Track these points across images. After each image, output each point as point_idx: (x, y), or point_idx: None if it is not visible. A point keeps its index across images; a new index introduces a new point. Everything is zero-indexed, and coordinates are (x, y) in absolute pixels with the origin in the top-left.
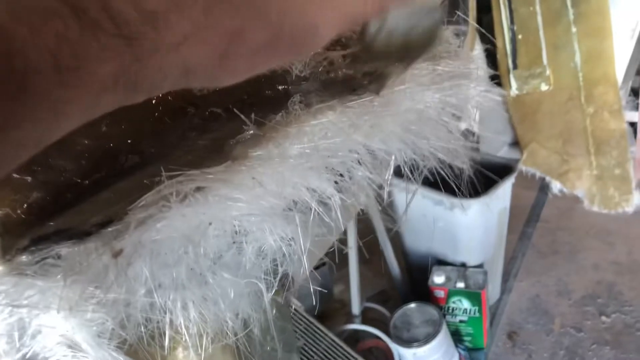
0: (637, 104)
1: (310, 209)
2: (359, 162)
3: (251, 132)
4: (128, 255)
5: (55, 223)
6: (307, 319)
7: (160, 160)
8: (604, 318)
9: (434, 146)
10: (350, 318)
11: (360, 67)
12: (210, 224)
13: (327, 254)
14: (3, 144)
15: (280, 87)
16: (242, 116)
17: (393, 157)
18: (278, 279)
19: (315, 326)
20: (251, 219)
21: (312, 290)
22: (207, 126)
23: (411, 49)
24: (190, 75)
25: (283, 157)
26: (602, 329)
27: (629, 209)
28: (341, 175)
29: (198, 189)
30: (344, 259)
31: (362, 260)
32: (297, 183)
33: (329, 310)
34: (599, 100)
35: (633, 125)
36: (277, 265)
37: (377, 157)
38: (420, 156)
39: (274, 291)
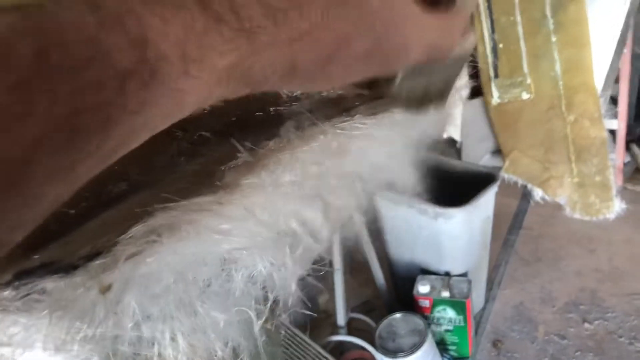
0: (617, 112)
1: (301, 237)
2: (349, 188)
3: (243, 158)
4: (117, 291)
5: (40, 256)
6: (292, 331)
7: (148, 188)
8: (587, 325)
9: (416, 172)
10: (335, 329)
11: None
12: (204, 261)
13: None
14: (128, 129)
15: (271, 109)
16: (235, 142)
17: (379, 183)
18: (268, 305)
19: (300, 338)
20: (243, 251)
21: (297, 301)
22: (197, 150)
23: (425, 102)
24: (294, 74)
25: (275, 185)
26: (585, 336)
27: (610, 215)
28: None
29: (189, 220)
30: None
31: (347, 270)
32: (288, 213)
33: (314, 321)
34: (579, 108)
35: (613, 133)
36: (266, 291)
37: (367, 182)
38: (403, 182)
39: (264, 318)
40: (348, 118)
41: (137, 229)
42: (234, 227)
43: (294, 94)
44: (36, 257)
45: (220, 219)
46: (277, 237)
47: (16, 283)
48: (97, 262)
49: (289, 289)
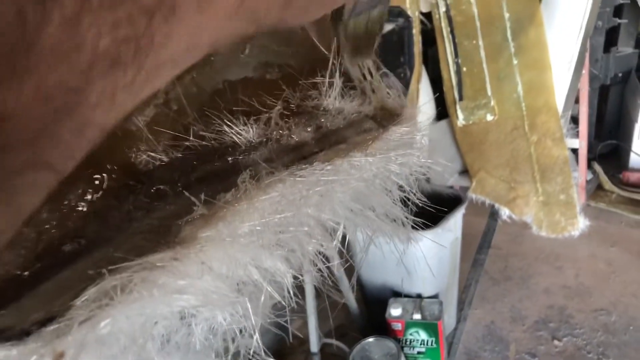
0: (577, 131)
1: (262, 287)
2: (309, 235)
3: (199, 211)
4: (72, 357)
5: None
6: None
7: (104, 245)
8: (556, 342)
9: (379, 214)
10: (308, 355)
11: (306, 128)
12: (155, 323)
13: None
14: (156, 62)
15: (229, 159)
16: (191, 197)
17: (342, 226)
18: (229, 357)
19: None
20: (199, 308)
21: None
22: (153, 205)
23: (370, 36)
24: (289, 5)
25: (233, 237)
26: (555, 353)
27: (575, 232)
28: (292, 250)
29: (143, 279)
30: (300, 294)
31: (319, 295)
32: (248, 263)
33: (287, 347)
34: (541, 128)
35: (575, 151)
36: (227, 342)
37: (327, 228)
38: (366, 224)
39: None
40: (307, 165)
41: (90, 292)
42: (190, 283)
43: (252, 142)
44: None
45: (176, 276)
46: (237, 289)
47: None
48: (51, 327)
49: (251, 338)
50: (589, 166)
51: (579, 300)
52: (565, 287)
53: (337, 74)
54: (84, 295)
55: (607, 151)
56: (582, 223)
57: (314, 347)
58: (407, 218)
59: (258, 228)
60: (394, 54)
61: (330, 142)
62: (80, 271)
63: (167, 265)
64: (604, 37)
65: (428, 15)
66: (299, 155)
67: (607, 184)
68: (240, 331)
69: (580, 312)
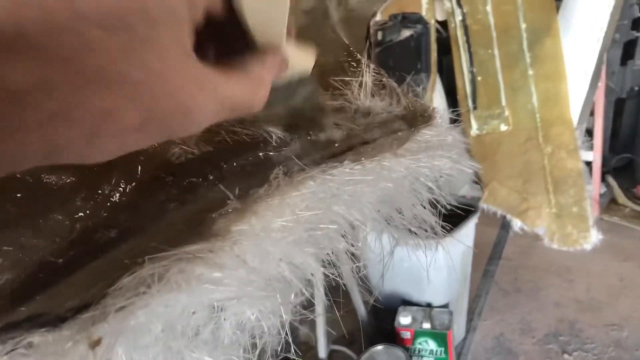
0: (592, 144)
1: (291, 283)
2: (339, 233)
3: (232, 205)
4: (109, 344)
5: (27, 308)
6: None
7: (137, 235)
8: (566, 356)
9: (406, 217)
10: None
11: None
12: (193, 312)
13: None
14: None
15: (260, 154)
16: (225, 190)
17: (368, 227)
18: (256, 353)
19: None
20: (233, 300)
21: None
22: (186, 197)
23: (297, 116)
24: (56, 154)
25: (266, 231)
26: None
27: (587, 246)
28: (322, 248)
29: (180, 270)
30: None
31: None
32: (280, 259)
33: (295, 353)
34: (556, 140)
35: (589, 164)
36: (254, 338)
37: (354, 228)
38: (392, 227)
39: None
40: (337, 164)
41: (127, 280)
42: (225, 275)
43: (282, 138)
44: (23, 309)
45: (212, 268)
46: (267, 284)
47: (2, 336)
48: (87, 314)
49: (278, 336)
50: (603, 179)
51: (590, 315)
52: (577, 300)
53: (367, 72)
54: (119, 284)
55: (621, 165)
56: (594, 236)
57: (322, 353)
58: (436, 220)
59: (290, 224)
60: (410, 61)
61: (360, 140)
62: (114, 260)
63: (203, 257)
64: (621, 50)
65: (443, 24)
66: (328, 153)
67: (621, 198)
68: (268, 328)
69: (592, 327)
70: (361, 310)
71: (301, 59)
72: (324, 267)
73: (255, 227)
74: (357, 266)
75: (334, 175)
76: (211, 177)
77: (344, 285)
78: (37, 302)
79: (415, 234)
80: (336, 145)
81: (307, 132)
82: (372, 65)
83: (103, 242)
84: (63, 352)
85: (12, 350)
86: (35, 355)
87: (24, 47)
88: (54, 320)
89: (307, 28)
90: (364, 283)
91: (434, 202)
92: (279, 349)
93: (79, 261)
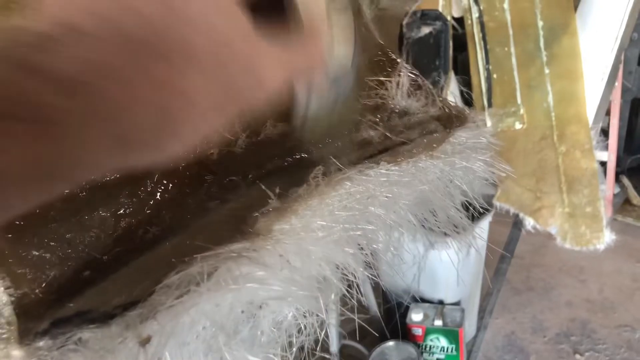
0: (607, 144)
1: (331, 283)
2: (376, 233)
3: (273, 204)
4: (159, 342)
5: (75, 304)
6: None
7: (180, 232)
8: (577, 356)
9: (440, 219)
10: (328, 356)
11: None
12: (242, 311)
13: None
14: None
15: (297, 155)
16: (266, 189)
17: (403, 229)
18: (293, 352)
19: None
20: (279, 301)
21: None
22: (227, 196)
23: (333, 133)
24: (128, 146)
25: (306, 231)
26: None
27: (600, 246)
28: (361, 248)
29: (227, 269)
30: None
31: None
32: (321, 259)
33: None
34: (570, 139)
35: (603, 164)
36: (291, 337)
37: (391, 228)
38: (427, 229)
39: None
40: (373, 164)
41: (175, 278)
42: (269, 275)
43: (322, 139)
44: (71, 305)
45: (257, 267)
46: (309, 283)
47: (52, 332)
48: (135, 312)
49: (316, 335)
50: (617, 180)
51: (603, 315)
52: (589, 300)
53: (404, 72)
54: (167, 282)
55: (636, 165)
56: (607, 237)
57: (334, 347)
58: (469, 224)
59: (329, 224)
60: (429, 58)
61: (396, 141)
62: (159, 257)
63: (249, 256)
64: (639, 49)
65: (460, 21)
66: (365, 154)
67: (635, 199)
68: (305, 327)
69: (604, 327)
70: (373, 305)
71: (342, 42)
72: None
73: (296, 226)
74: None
75: (370, 176)
76: (251, 176)
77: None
78: (86, 297)
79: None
80: (373, 145)
81: (345, 132)
82: (407, 65)
83: (147, 239)
84: (113, 349)
85: (64, 345)
86: (85, 351)
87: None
88: (102, 317)
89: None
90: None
91: (467, 204)
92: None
93: (124, 258)
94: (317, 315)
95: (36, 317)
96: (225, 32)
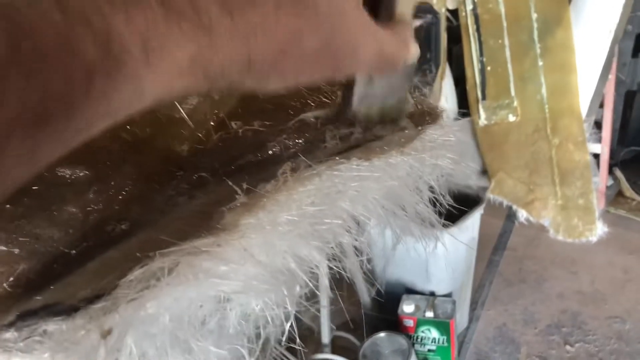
0: (600, 136)
1: (297, 275)
2: (343, 227)
3: (241, 200)
4: (119, 334)
5: (42, 297)
6: (275, 348)
7: (148, 228)
8: (568, 347)
9: (409, 213)
10: (319, 347)
11: (332, 129)
12: (201, 305)
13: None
14: (91, 115)
15: (269, 150)
16: (233, 185)
17: (372, 222)
18: (260, 343)
19: (285, 356)
20: (244, 294)
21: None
22: (195, 191)
23: (385, 119)
24: (250, 69)
25: (273, 225)
26: (566, 359)
27: (593, 238)
28: (327, 241)
29: (188, 264)
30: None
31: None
32: (286, 252)
33: (299, 338)
34: (564, 132)
35: (597, 157)
36: (259, 329)
37: (359, 223)
38: (396, 223)
39: (255, 356)
40: (344, 160)
41: (138, 273)
42: (232, 269)
43: (290, 135)
44: (38, 298)
45: (219, 262)
46: (273, 277)
47: (18, 324)
48: (99, 305)
49: (282, 326)
50: (610, 172)
51: (594, 307)
52: (580, 292)
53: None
54: (130, 276)
55: (629, 157)
56: (600, 229)
57: (325, 338)
58: (436, 219)
59: (296, 218)
60: (420, 50)
61: (367, 138)
62: (125, 252)
63: (211, 251)
64: (634, 42)
65: (454, 13)
66: (337, 149)
67: (628, 191)
68: (272, 319)
69: (594, 319)
70: (365, 297)
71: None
72: (329, 260)
73: (263, 221)
74: (362, 259)
75: (341, 171)
76: (220, 172)
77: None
78: (52, 291)
79: (418, 228)
80: (344, 142)
81: (315, 128)
82: None
83: (115, 234)
84: (76, 341)
85: (29, 336)
86: (50, 342)
87: None
88: (68, 310)
89: None
90: (368, 273)
91: (435, 200)
92: (284, 337)
93: (92, 252)
94: (285, 308)
95: (3, 310)
96: (348, 11)
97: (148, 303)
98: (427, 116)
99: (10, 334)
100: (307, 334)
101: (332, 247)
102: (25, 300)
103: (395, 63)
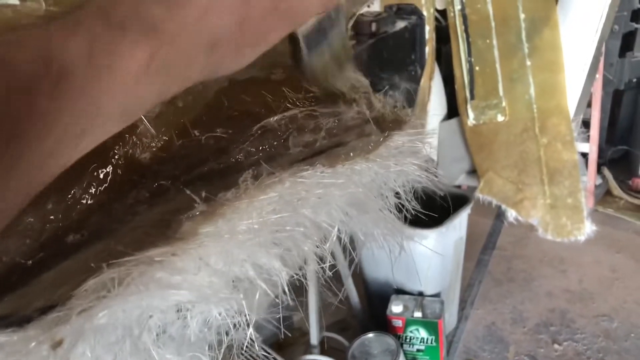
0: (588, 135)
1: (257, 284)
2: (305, 235)
3: (200, 208)
4: (68, 345)
5: None
6: (265, 350)
7: (106, 237)
8: (556, 346)
9: (374, 220)
10: (308, 347)
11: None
12: (150, 316)
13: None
14: (44, 139)
15: (231, 158)
16: (192, 194)
17: (336, 229)
18: (222, 350)
19: (274, 357)
20: (193, 303)
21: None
22: (155, 200)
23: (340, 63)
24: (216, 49)
25: (232, 233)
26: (554, 357)
27: (581, 237)
28: (288, 249)
29: (140, 273)
30: (298, 291)
31: (321, 289)
32: (244, 260)
33: (288, 339)
34: (552, 131)
35: (585, 156)
36: (221, 335)
37: (322, 229)
38: (360, 229)
39: None
40: (307, 167)
41: (91, 283)
42: (185, 279)
43: (253, 143)
44: None
45: (173, 271)
46: (232, 285)
47: None
48: (51, 315)
49: (244, 333)
50: (599, 171)
51: (581, 305)
52: (568, 291)
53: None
54: (84, 286)
55: (617, 157)
56: (588, 228)
57: (314, 339)
58: (400, 225)
59: (256, 226)
60: (405, 52)
61: (331, 144)
62: (82, 262)
63: (165, 260)
64: (620, 41)
65: (443, 13)
66: (300, 156)
67: (616, 190)
68: (235, 325)
69: (582, 317)
70: (354, 297)
71: None
72: (290, 267)
73: (222, 229)
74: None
75: (305, 178)
76: (181, 180)
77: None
78: (6, 302)
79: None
80: (308, 148)
81: (280, 134)
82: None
83: (73, 244)
84: (27, 352)
85: None
86: (1, 353)
87: None
88: (21, 320)
89: None
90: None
91: (400, 206)
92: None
93: (48, 262)
94: (247, 315)
95: None
96: None
97: (100, 313)
98: (393, 123)
99: None
100: (298, 335)
101: (294, 255)
102: None
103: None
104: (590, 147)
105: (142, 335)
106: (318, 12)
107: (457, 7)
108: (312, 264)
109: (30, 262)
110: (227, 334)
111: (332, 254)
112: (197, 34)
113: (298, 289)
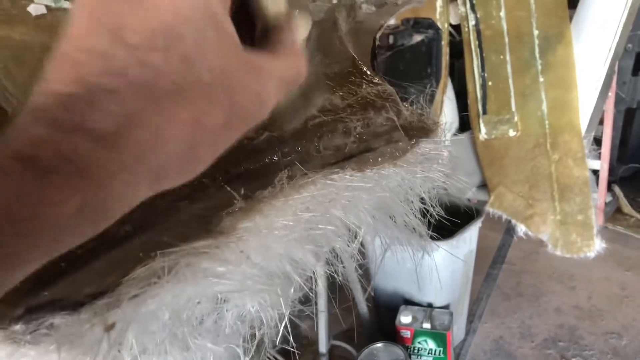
0: (600, 153)
1: (292, 278)
2: (336, 234)
3: (239, 205)
4: (120, 329)
5: (49, 292)
6: (274, 357)
7: (150, 230)
8: None
9: (398, 224)
10: (317, 356)
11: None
12: (198, 302)
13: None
14: None
15: (267, 159)
16: (232, 191)
17: (362, 231)
18: (255, 343)
19: None
20: (235, 293)
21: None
22: (196, 196)
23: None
24: (162, 179)
25: (269, 229)
26: None
27: (590, 254)
28: (320, 246)
29: (187, 263)
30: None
31: (330, 298)
32: (281, 255)
33: (296, 346)
34: (563, 147)
35: (596, 173)
36: (254, 329)
37: (351, 230)
38: (384, 232)
39: (250, 355)
40: (338, 170)
41: (140, 271)
42: (229, 270)
43: (288, 145)
44: (45, 293)
45: (216, 262)
46: (269, 279)
47: (27, 317)
48: (103, 301)
49: (277, 328)
50: (609, 188)
51: (590, 322)
52: (577, 307)
53: (371, 83)
54: (133, 274)
55: (628, 174)
56: (598, 245)
57: (323, 347)
58: (424, 230)
59: (291, 223)
60: (421, 65)
61: (361, 149)
62: (129, 252)
63: (209, 252)
64: (634, 60)
65: (457, 28)
66: (331, 159)
67: (627, 208)
68: (267, 320)
69: (591, 334)
70: (363, 307)
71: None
72: (325, 265)
73: (260, 225)
74: (358, 265)
75: (335, 180)
76: (220, 179)
77: (346, 283)
78: (59, 287)
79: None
80: (339, 152)
81: (313, 137)
82: (376, 77)
83: (119, 236)
84: (81, 334)
85: (36, 329)
86: (56, 335)
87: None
88: (73, 305)
89: (316, 38)
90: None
91: (425, 211)
92: (278, 341)
93: (97, 252)
94: (280, 310)
95: (13, 304)
96: (231, 67)
97: (149, 299)
98: (420, 130)
99: (18, 327)
100: (306, 343)
101: (326, 252)
102: (34, 295)
103: (296, 81)
104: (601, 165)
105: (189, 322)
106: (278, 100)
107: (472, 22)
108: (322, 272)
109: (80, 250)
110: (259, 328)
111: (337, 258)
112: (138, 171)
113: (307, 297)
